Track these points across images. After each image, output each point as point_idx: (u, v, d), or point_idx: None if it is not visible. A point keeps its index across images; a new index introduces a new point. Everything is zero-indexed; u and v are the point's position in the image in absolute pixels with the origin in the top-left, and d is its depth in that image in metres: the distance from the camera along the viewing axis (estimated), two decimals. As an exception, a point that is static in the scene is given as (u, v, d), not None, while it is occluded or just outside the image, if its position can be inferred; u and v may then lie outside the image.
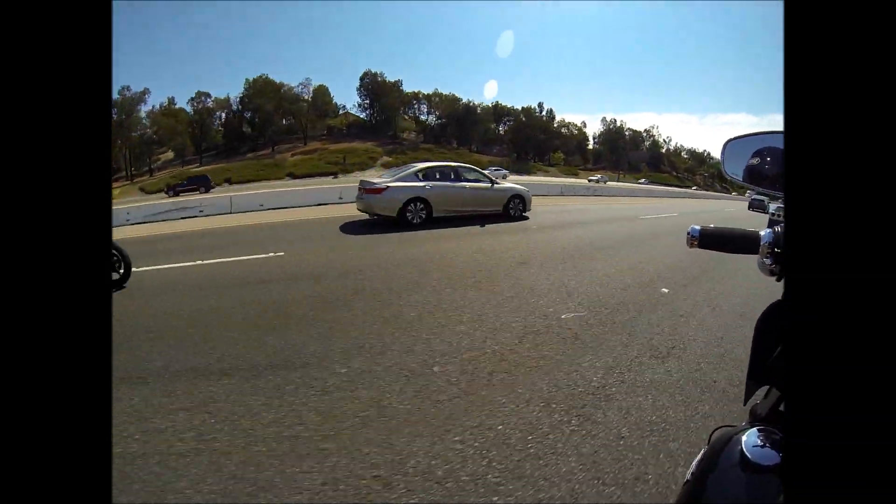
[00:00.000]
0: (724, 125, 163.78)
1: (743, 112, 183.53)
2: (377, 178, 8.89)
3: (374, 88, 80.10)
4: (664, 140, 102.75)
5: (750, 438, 0.63)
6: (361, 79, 79.77)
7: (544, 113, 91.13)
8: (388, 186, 8.28)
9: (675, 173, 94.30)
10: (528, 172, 66.26)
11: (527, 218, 9.54)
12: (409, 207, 8.29)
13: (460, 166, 9.72)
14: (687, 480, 0.68)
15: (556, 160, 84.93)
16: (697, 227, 0.76)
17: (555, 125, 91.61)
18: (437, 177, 8.87)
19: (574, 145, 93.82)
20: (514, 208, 9.57)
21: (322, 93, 77.98)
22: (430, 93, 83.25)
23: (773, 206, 11.26)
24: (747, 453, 0.60)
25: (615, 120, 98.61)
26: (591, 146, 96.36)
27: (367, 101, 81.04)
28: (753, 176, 0.86)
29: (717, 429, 0.75)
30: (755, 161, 0.85)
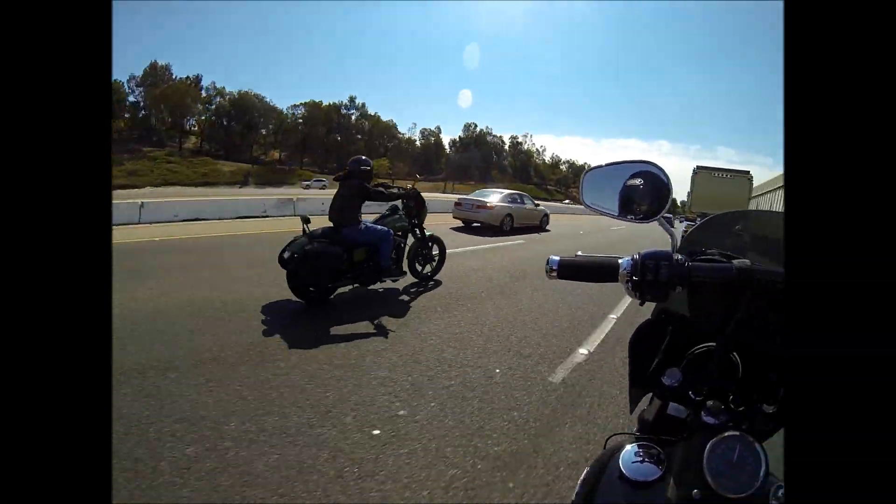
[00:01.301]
0: (619, 148, 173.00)
1: (633, 138, 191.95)
2: (484, 199, 11.84)
3: (156, 83, 67.45)
4: (538, 150, 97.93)
5: (627, 454, 0.64)
6: (144, 72, 66.61)
7: (355, 110, 79.76)
8: (495, 205, 11.52)
9: (546, 186, 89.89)
10: (280, 184, 54.05)
11: (549, 230, 13.62)
12: (506, 219, 11.61)
13: (523, 194, 13.56)
14: (577, 493, 0.68)
15: (381, 168, 70.81)
16: (556, 258, 0.73)
17: (366, 124, 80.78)
18: (514, 199, 12.49)
19: (418, 151, 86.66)
20: (543, 222, 13.77)
21: (115, 90, 61.39)
22: (211, 87, 70.24)
23: (682, 225, 12.72)
24: (624, 470, 0.62)
25: (475, 125, 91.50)
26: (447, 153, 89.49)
27: (141, 100, 67.52)
28: (627, 203, 0.86)
29: (611, 436, 0.77)
30: (633, 183, 0.84)
